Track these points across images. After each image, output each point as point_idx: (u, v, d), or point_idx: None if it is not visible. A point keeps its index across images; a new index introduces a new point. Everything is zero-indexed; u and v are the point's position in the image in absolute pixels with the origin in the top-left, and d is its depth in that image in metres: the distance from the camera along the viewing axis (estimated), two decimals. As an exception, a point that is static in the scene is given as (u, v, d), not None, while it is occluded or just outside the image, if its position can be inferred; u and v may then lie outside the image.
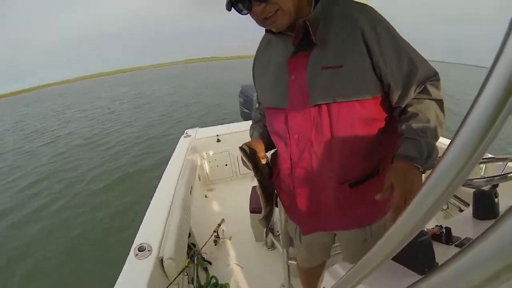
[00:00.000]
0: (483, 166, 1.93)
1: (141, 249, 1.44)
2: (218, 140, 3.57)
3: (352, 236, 1.23)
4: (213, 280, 2.15)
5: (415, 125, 0.92)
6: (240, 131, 3.65)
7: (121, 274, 1.32)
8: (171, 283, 1.43)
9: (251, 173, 3.34)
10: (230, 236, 2.63)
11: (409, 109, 0.96)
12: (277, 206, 1.83)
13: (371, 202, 0.96)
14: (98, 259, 3.78)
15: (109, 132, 11.36)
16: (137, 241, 1.51)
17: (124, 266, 1.37)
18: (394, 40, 0.92)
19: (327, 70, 0.92)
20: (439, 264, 0.61)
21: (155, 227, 1.63)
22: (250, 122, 3.79)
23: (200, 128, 3.76)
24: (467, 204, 2.20)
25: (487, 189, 1.13)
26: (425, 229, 1.03)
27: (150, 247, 1.46)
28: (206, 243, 2.32)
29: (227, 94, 16.39)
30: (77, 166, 7.76)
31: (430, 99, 0.95)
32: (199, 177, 3.32)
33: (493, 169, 1.77)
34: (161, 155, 7.42)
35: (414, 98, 0.96)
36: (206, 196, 3.45)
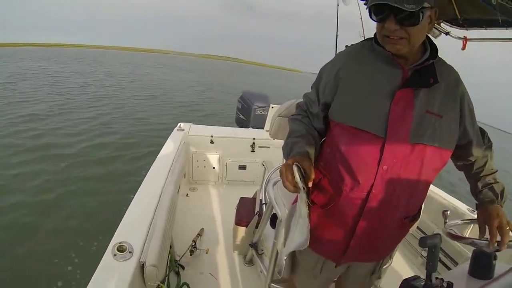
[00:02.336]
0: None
1: (120, 249, 1.30)
2: (212, 142, 3.48)
3: (367, 267, 1.35)
4: (185, 287, 2.01)
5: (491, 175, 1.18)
6: (234, 137, 3.61)
7: (95, 275, 1.17)
8: None
9: (238, 181, 3.22)
10: (207, 249, 2.50)
11: (484, 161, 1.20)
12: (273, 227, 1.74)
13: (397, 238, 1.28)
14: (66, 253, 3.34)
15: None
16: (116, 239, 1.36)
17: (100, 265, 1.22)
18: (472, 106, 1.10)
19: (430, 116, 1.00)
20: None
21: (139, 226, 1.48)
22: (245, 130, 3.70)
23: (194, 125, 3.65)
24: (454, 262, 2.27)
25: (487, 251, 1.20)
26: (431, 283, 1.03)
27: (132, 248, 1.32)
28: (184, 254, 2.22)
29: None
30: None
31: (491, 153, 1.20)
32: (184, 175, 3.19)
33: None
34: (148, 142, 7.18)
35: (484, 151, 1.19)
36: (187, 195, 3.34)
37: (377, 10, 0.95)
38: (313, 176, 1.00)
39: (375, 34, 1.07)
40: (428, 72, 1.01)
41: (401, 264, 2.57)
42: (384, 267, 1.38)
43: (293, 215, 1.09)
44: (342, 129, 1.09)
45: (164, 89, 16.61)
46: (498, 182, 1.17)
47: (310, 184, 0.99)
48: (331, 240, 1.20)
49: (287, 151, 1.14)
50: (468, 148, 1.15)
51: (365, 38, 1.16)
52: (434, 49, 1.04)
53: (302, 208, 1.01)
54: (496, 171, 1.20)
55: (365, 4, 1.06)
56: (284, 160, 2.01)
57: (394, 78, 1.02)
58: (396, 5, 0.87)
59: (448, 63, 1.08)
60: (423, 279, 1.07)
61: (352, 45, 1.19)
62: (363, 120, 1.03)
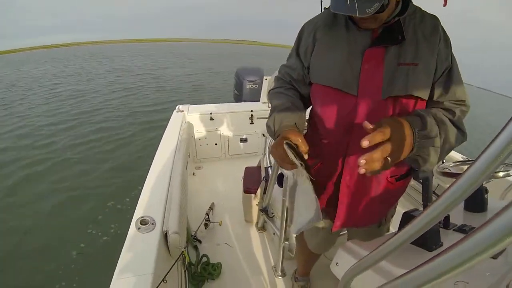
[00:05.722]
0: None
1: (143, 222, 1.39)
2: (212, 119, 3.53)
3: (366, 228, 1.35)
4: (204, 259, 2.14)
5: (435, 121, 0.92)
6: (233, 111, 3.64)
7: (124, 248, 1.26)
8: (177, 260, 1.39)
9: (241, 154, 3.29)
10: (220, 221, 2.61)
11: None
12: (281, 186, 1.83)
13: (393, 196, 1.24)
14: (91, 231, 3.65)
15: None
16: (137, 214, 1.46)
17: (126, 240, 1.31)
18: (453, 57, 1.01)
19: (403, 67, 0.97)
20: (443, 243, 0.94)
21: (156, 200, 1.57)
22: (242, 103, 3.74)
23: (192, 105, 3.69)
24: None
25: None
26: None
27: (154, 220, 1.41)
28: (199, 227, 2.33)
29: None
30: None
31: (451, 121, 0.98)
32: (188, 155, 3.27)
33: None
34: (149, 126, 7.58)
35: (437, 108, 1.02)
36: (194, 174, 3.43)
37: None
38: (305, 149, 0.96)
39: None
40: (398, 28, 0.98)
41: None
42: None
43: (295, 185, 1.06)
44: (317, 89, 1.11)
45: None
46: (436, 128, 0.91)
47: (306, 157, 0.94)
48: (321, 201, 1.22)
49: (273, 128, 1.10)
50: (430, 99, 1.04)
51: None
52: (405, 3, 0.99)
53: (305, 184, 0.95)
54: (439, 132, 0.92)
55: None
56: (270, 140, 2.12)
57: (364, 37, 1.01)
58: (358, 15, 0.85)
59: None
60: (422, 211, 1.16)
61: (323, 11, 1.17)
62: (336, 79, 1.04)
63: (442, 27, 1.00)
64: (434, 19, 1.01)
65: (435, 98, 1.01)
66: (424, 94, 1.00)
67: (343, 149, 1.10)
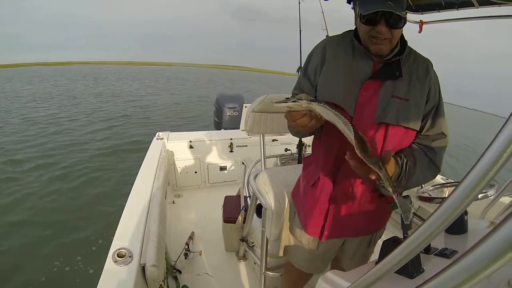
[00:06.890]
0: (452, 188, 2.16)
1: (120, 254, 1.36)
2: (191, 147, 3.53)
3: (360, 241, 1.44)
4: (184, 289, 2.08)
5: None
6: (212, 139, 3.66)
7: (100, 282, 1.23)
8: None
9: (221, 182, 3.29)
10: (201, 251, 2.56)
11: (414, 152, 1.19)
12: (259, 217, 1.83)
13: (382, 212, 1.35)
14: (65, 261, 3.42)
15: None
16: (114, 246, 1.42)
17: (103, 273, 1.27)
18: (440, 95, 1.18)
19: (396, 99, 1.12)
20: (425, 269, 0.95)
21: (134, 231, 1.54)
22: (222, 131, 3.76)
23: (172, 132, 3.69)
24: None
25: None
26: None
27: (131, 253, 1.38)
28: (178, 257, 2.28)
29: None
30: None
31: (431, 160, 1.18)
32: (168, 182, 3.24)
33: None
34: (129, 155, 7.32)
35: (419, 147, 1.19)
36: (173, 202, 3.38)
37: (369, 15, 1.05)
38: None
39: (355, 29, 1.20)
40: (396, 66, 1.13)
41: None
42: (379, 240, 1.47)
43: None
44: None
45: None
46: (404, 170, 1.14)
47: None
48: (312, 215, 1.33)
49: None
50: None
51: (347, 30, 1.27)
52: (403, 45, 1.16)
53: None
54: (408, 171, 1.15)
55: (352, 8, 1.27)
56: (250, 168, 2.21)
57: (366, 69, 1.15)
58: (397, 12, 1.00)
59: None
60: (401, 238, 1.17)
61: (332, 36, 1.31)
62: (339, 98, 1.14)
63: (433, 68, 1.18)
64: (426, 61, 1.19)
65: (423, 132, 1.17)
66: (413, 126, 1.15)
67: (337, 166, 1.22)
